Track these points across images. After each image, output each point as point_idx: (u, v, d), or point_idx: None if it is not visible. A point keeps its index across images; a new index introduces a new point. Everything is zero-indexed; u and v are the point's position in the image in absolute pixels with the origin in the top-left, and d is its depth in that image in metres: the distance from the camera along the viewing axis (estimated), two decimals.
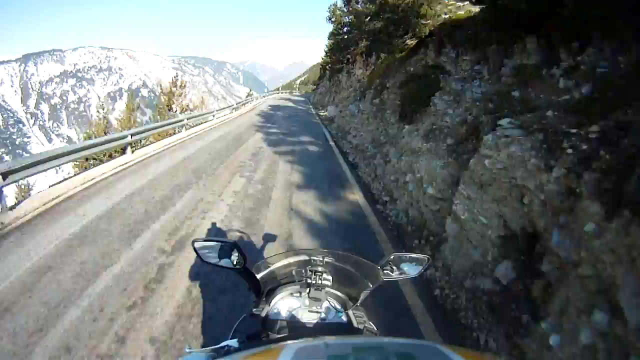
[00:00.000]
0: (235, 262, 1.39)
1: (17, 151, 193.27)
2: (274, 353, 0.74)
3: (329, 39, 30.70)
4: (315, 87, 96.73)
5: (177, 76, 20.93)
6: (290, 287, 1.58)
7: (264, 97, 44.31)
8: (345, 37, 23.25)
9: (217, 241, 1.42)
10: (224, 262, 1.40)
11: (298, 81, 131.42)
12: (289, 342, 0.83)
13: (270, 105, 31.45)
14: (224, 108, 22.19)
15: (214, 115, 18.76)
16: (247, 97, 36.80)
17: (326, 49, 36.15)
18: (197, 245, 1.41)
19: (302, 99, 48.87)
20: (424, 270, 1.54)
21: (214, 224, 5.25)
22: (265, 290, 1.55)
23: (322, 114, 25.89)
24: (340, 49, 26.44)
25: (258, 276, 1.52)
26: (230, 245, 1.40)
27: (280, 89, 75.60)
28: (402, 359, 0.66)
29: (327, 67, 39.24)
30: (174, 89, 20.37)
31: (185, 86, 20.83)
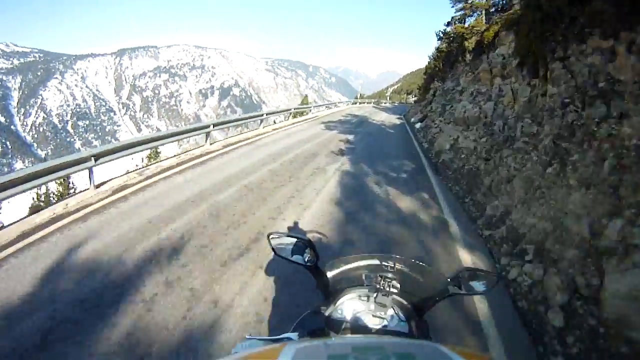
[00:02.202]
0: (307, 260, 1.48)
1: (107, 137, 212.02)
2: (274, 353, 0.75)
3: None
4: (412, 96, 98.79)
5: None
6: (358, 290, 1.60)
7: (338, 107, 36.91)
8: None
9: (292, 237, 1.53)
10: (296, 258, 1.49)
11: (390, 90, 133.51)
12: (289, 342, 0.93)
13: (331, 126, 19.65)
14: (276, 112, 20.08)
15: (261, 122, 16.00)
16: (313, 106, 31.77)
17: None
18: (272, 238, 1.53)
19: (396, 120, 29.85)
20: (493, 287, 1.53)
21: None
22: (333, 290, 1.60)
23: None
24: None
25: (328, 275, 1.62)
26: (304, 242, 1.49)
27: (358, 96, 63.32)
28: (402, 359, 0.68)
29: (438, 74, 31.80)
30: None
31: None
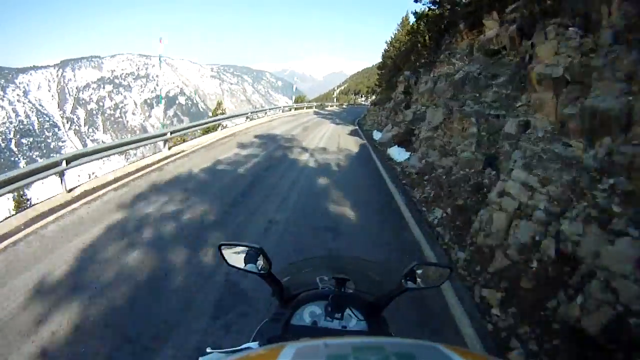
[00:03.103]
0: (260, 268, 1.51)
1: (51, 155, 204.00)
2: (274, 353, 0.76)
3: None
4: (360, 97, 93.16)
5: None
6: (313, 294, 1.67)
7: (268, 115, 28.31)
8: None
9: (244, 245, 1.55)
10: (249, 267, 1.52)
11: (337, 90, 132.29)
12: (289, 342, 0.88)
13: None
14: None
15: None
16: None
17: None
18: (223, 249, 1.56)
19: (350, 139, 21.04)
20: (446, 280, 1.60)
21: None
22: (289, 295, 1.68)
23: None
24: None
25: (282, 281, 1.65)
26: (256, 250, 1.51)
27: (295, 100, 48.62)
28: (402, 359, 0.68)
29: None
30: None
31: None
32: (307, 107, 40.35)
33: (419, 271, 1.55)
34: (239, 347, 1.28)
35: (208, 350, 1.30)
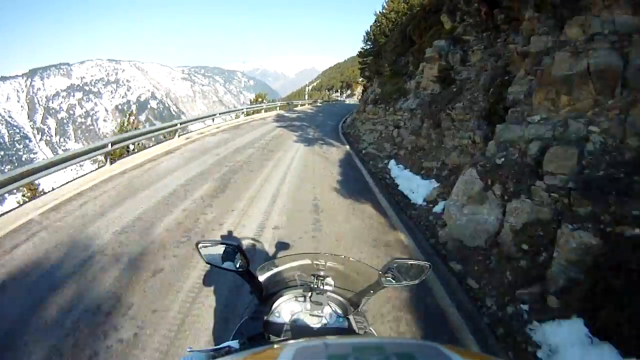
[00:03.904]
0: (238, 265, 1.50)
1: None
2: (274, 353, 0.76)
3: None
4: (334, 92, 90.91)
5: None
6: (293, 291, 1.66)
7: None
8: None
9: (221, 243, 1.54)
10: (227, 265, 1.51)
11: (310, 87, 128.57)
12: (289, 342, 0.88)
13: None
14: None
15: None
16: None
17: None
18: (201, 247, 1.54)
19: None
20: (424, 276, 1.56)
21: None
22: (268, 293, 1.66)
23: None
24: None
25: (260, 279, 1.66)
26: (234, 248, 1.51)
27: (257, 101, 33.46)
28: (402, 359, 0.68)
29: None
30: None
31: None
32: (266, 110, 27.57)
33: (397, 267, 1.55)
34: (219, 346, 1.30)
35: (188, 350, 1.29)
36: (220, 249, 1.54)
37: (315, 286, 1.65)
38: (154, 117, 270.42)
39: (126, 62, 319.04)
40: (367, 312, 1.81)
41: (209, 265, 1.60)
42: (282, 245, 5.37)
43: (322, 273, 1.72)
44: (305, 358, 0.73)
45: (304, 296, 1.61)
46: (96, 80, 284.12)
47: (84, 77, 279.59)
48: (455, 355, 0.70)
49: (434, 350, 0.74)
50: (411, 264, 1.57)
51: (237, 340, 1.34)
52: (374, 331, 1.65)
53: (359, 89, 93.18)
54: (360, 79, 51.04)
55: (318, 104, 47.06)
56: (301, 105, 40.53)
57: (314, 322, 1.54)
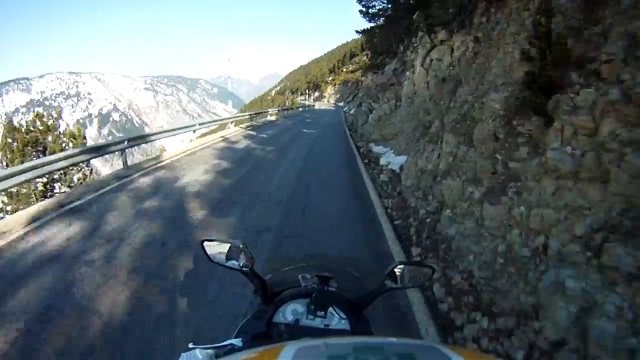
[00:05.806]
0: (242, 264, 1.49)
1: None
2: (274, 353, 0.76)
3: None
4: (299, 95, 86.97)
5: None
6: (296, 292, 1.66)
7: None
8: None
9: (226, 242, 1.54)
10: (231, 264, 1.51)
11: (273, 92, 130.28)
12: (290, 342, 0.87)
13: None
14: None
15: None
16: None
17: None
18: (206, 245, 1.54)
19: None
20: (429, 279, 1.54)
21: None
22: (272, 293, 1.67)
23: None
24: None
25: (265, 279, 1.64)
26: (238, 247, 1.50)
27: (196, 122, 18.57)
28: (402, 359, 0.69)
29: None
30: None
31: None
32: (232, 124, 20.97)
33: (401, 270, 1.54)
34: (222, 344, 1.32)
35: (190, 345, 1.30)
36: (225, 248, 1.54)
37: (319, 287, 1.65)
38: (117, 130, 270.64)
39: (87, 74, 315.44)
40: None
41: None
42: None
43: (326, 274, 1.69)
44: (306, 357, 0.75)
45: (308, 297, 1.61)
46: (57, 94, 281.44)
47: (44, 92, 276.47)
48: (454, 355, 0.71)
49: (433, 350, 0.76)
50: (415, 267, 1.69)
51: (240, 339, 1.38)
52: (376, 334, 1.64)
53: (329, 90, 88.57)
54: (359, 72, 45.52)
55: (287, 111, 37.62)
56: (270, 115, 30.58)
57: (317, 323, 1.55)
